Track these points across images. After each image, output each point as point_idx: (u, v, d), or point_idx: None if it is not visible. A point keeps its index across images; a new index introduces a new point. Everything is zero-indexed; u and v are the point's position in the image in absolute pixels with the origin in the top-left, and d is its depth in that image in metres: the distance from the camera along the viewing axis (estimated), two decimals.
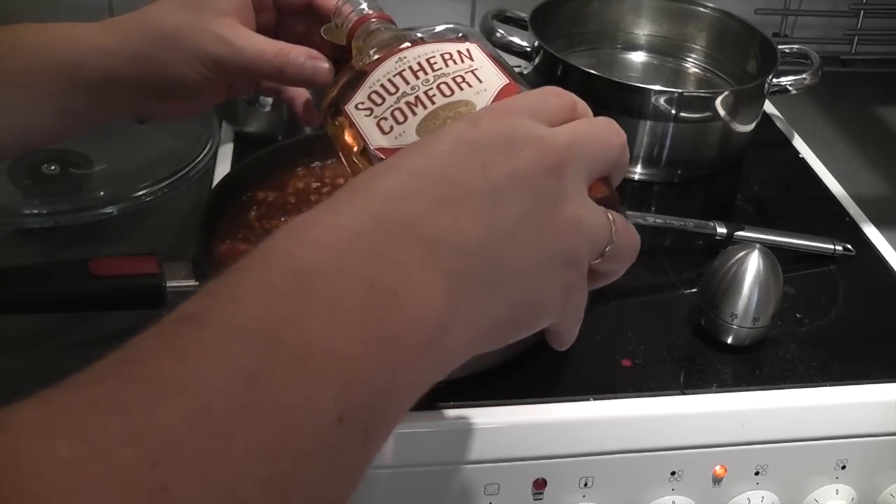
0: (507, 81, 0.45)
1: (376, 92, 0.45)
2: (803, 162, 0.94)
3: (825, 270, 0.78)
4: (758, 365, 0.67)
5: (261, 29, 0.61)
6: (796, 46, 0.97)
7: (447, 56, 0.45)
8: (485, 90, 0.44)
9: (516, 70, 0.98)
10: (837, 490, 0.67)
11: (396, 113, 0.44)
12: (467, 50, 0.45)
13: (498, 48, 0.92)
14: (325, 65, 0.57)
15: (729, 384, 0.65)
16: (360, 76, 0.46)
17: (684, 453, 0.64)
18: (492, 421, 0.61)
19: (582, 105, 0.43)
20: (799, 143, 0.97)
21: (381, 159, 0.43)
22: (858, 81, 1.13)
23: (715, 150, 0.90)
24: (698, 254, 0.78)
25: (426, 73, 0.44)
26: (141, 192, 0.73)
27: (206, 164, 0.79)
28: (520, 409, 0.62)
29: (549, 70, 0.89)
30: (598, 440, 0.63)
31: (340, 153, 0.48)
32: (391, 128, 0.44)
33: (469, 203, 0.36)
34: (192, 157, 0.78)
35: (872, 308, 0.74)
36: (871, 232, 0.83)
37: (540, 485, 0.63)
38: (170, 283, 0.62)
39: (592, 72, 0.86)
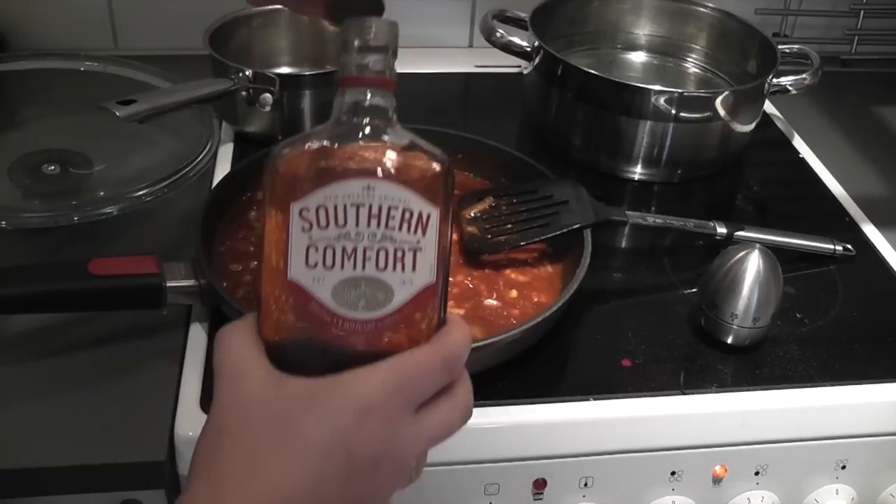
0: (433, 281, 0.43)
1: (325, 210, 0.41)
2: (803, 162, 0.94)
3: (825, 270, 0.78)
4: (758, 365, 0.67)
5: None
6: (796, 46, 0.96)
7: (407, 216, 0.42)
8: (410, 283, 0.42)
9: (516, 70, 0.98)
10: (837, 490, 0.67)
11: (328, 252, 0.41)
12: (427, 217, 0.42)
13: (498, 48, 0.93)
14: None
15: (729, 384, 0.65)
16: (321, 171, 0.42)
17: (684, 453, 0.64)
18: (492, 421, 0.61)
19: (462, 365, 0.44)
20: (799, 143, 0.97)
21: (286, 295, 0.42)
22: (858, 81, 1.13)
23: (715, 150, 0.90)
24: (698, 254, 0.78)
25: (378, 227, 0.42)
26: (141, 192, 0.73)
27: (206, 164, 0.79)
28: (520, 409, 0.62)
29: (549, 70, 0.89)
30: (598, 440, 0.63)
31: (264, 243, 0.43)
32: (315, 264, 0.41)
33: None
34: (192, 157, 0.78)
35: (872, 308, 0.74)
36: (871, 232, 0.83)
37: (540, 485, 0.63)
38: (170, 283, 0.62)
39: (592, 72, 0.86)
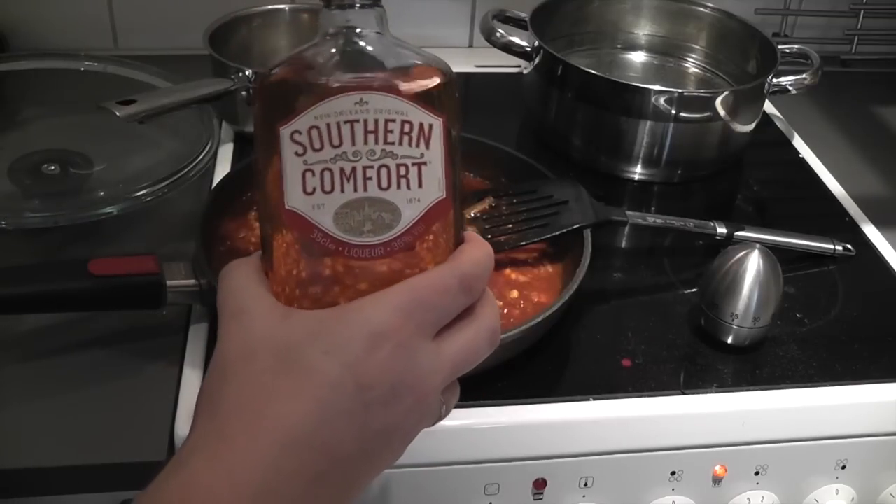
0: (443, 196, 0.40)
1: (318, 130, 0.39)
2: (803, 162, 0.94)
3: (825, 270, 0.78)
4: (758, 365, 0.67)
5: None
6: (796, 46, 0.96)
7: (407, 128, 0.39)
8: (417, 201, 0.40)
9: (516, 70, 0.98)
10: (837, 490, 0.67)
11: (326, 174, 0.39)
12: (430, 128, 0.40)
13: (498, 48, 0.93)
14: None
15: (729, 384, 0.65)
16: (311, 89, 0.40)
17: (684, 453, 0.64)
18: (492, 421, 0.61)
19: (484, 286, 0.42)
20: (799, 143, 0.97)
21: (287, 224, 0.39)
22: (858, 81, 1.13)
23: (715, 150, 0.90)
24: (698, 254, 0.78)
25: (376, 142, 0.39)
26: (141, 192, 0.73)
27: (206, 164, 0.79)
28: (520, 409, 0.62)
29: (549, 70, 0.89)
30: (598, 440, 0.63)
31: (256, 179, 0.42)
32: (314, 190, 0.39)
33: (337, 471, 0.38)
34: (192, 157, 0.78)
35: (872, 308, 0.74)
36: (871, 232, 0.83)
37: (540, 485, 0.63)
38: (170, 283, 0.62)
39: (592, 72, 0.86)
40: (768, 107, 1.01)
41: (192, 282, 0.63)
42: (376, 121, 0.39)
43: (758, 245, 0.66)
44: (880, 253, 0.80)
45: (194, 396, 0.60)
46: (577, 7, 1.01)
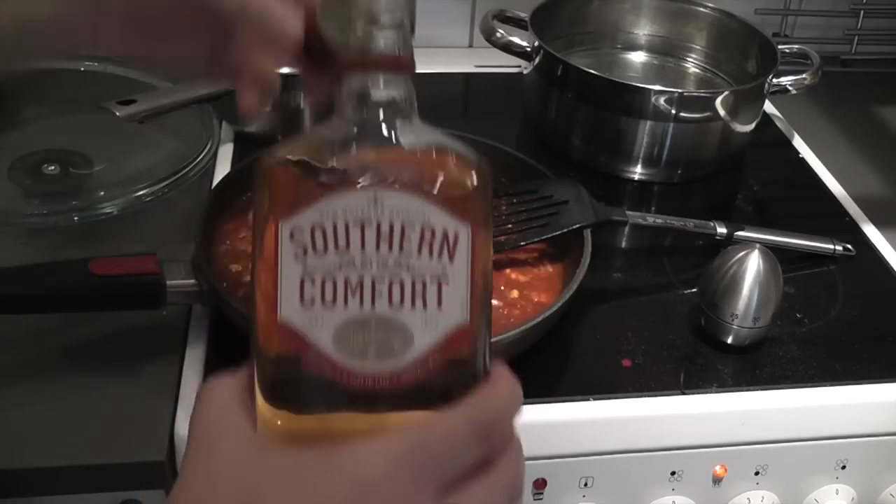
0: (466, 321, 0.34)
1: (323, 229, 0.33)
2: (803, 162, 0.94)
3: (825, 270, 0.78)
4: (758, 365, 0.67)
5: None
6: (796, 46, 0.96)
7: (427, 236, 0.33)
8: (434, 325, 0.33)
9: (516, 70, 0.98)
10: (837, 490, 0.67)
11: (328, 284, 0.33)
12: (455, 236, 0.33)
13: (498, 48, 0.93)
14: (295, 24, 0.46)
15: (729, 384, 0.65)
16: (318, 179, 0.34)
17: (684, 453, 0.64)
18: None
19: (508, 436, 0.35)
20: (799, 143, 0.97)
21: (278, 340, 0.33)
22: (858, 81, 1.13)
23: (715, 150, 0.90)
24: (698, 254, 0.78)
25: (390, 250, 0.33)
26: (141, 192, 0.73)
27: (206, 164, 0.79)
28: None
29: (549, 70, 0.89)
30: (598, 440, 0.63)
31: (254, 273, 0.35)
32: (312, 301, 0.33)
33: None
34: (192, 157, 0.78)
35: (872, 308, 0.74)
36: (871, 232, 0.83)
37: (540, 485, 0.63)
38: (170, 283, 0.62)
39: (592, 72, 0.86)
40: (768, 107, 1.01)
41: (192, 282, 0.63)
42: (391, 224, 0.33)
43: (758, 245, 0.66)
44: (880, 253, 0.80)
45: (194, 396, 0.61)
46: (577, 7, 1.01)
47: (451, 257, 0.34)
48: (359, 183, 0.33)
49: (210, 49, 0.50)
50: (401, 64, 0.36)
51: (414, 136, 0.36)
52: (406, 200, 0.33)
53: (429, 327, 0.33)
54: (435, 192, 0.34)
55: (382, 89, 0.36)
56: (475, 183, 0.35)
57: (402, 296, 0.33)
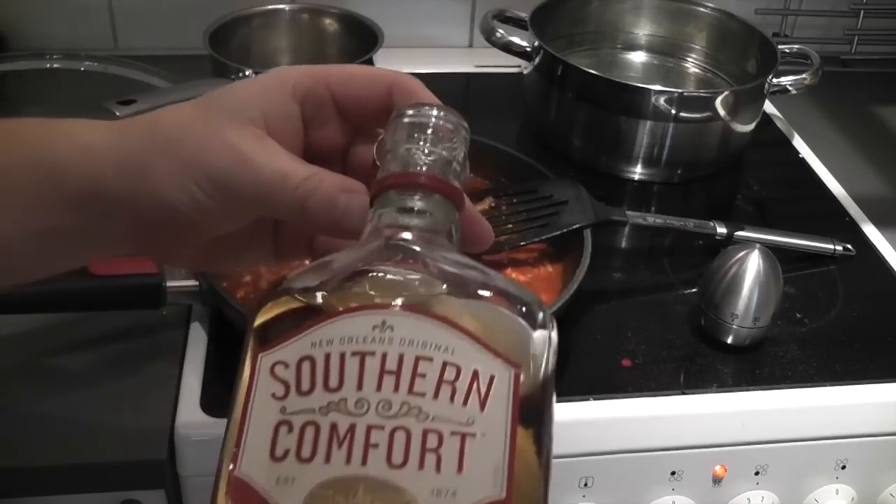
0: (499, 496, 0.25)
1: (312, 362, 0.26)
2: (803, 162, 0.94)
3: (825, 270, 0.78)
4: (758, 365, 0.67)
5: (317, 152, 0.42)
6: (796, 46, 0.96)
7: (450, 374, 0.25)
8: (451, 496, 0.24)
9: (516, 70, 0.99)
10: (837, 490, 0.67)
11: (308, 431, 0.25)
12: (490, 380, 0.26)
13: (498, 48, 0.93)
14: (361, 202, 0.36)
15: (729, 384, 0.65)
16: (313, 301, 0.28)
17: (684, 453, 0.64)
18: None
19: None
20: (799, 143, 0.97)
21: (231, 498, 0.26)
22: (858, 81, 1.13)
23: (715, 150, 0.90)
24: (698, 254, 0.78)
25: (395, 390, 0.25)
26: None
27: None
28: None
29: (549, 70, 0.89)
30: (598, 440, 0.63)
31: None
32: (285, 454, 0.25)
33: None
34: None
35: (872, 308, 0.74)
36: (871, 232, 0.83)
37: None
38: (169, 283, 0.62)
39: (592, 72, 0.86)
40: (768, 107, 1.01)
41: (192, 282, 0.63)
42: (401, 356, 0.25)
43: (758, 245, 0.66)
44: (880, 253, 0.80)
45: (195, 396, 0.61)
46: (577, 7, 1.01)
47: (481, 405, 0.25)
48: (363, 306, 0.27)
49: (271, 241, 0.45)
50: (444, 187, 0.31)
51: (447, 263, 0.30)
52: (423, 325, 0.26)
53: (441, 499, 0.24)
54: (462, 321, 0.26)
55: (416, 208, 0.31)
56: (523, 322, 0.29)
57: (407, 451, 0.25)
